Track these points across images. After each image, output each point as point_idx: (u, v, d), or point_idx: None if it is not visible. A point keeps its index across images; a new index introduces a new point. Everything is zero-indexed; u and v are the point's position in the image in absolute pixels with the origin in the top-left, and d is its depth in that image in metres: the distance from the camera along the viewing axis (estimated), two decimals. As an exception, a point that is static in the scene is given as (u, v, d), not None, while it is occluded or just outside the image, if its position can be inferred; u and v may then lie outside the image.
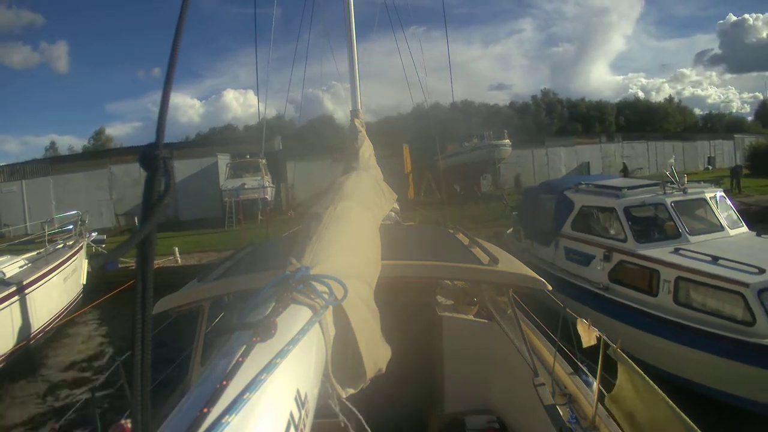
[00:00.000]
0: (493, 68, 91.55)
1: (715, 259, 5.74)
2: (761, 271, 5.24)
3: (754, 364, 4.81)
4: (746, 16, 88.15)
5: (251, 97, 75.83)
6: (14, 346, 8.03)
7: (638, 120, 59.89)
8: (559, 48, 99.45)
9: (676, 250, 6.36)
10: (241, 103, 79.11)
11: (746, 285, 5.09)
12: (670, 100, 67.00)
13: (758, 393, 4.85)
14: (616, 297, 6.64)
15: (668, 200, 7.11)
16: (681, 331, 5.48)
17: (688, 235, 6.77)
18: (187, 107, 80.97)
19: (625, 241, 7.03)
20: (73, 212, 13.03)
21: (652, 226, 7.31)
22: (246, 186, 22.87)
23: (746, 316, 5.07)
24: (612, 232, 7.44)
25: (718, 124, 59.19)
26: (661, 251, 6.48)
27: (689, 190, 7.37)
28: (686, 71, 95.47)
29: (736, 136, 43.95)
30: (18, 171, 28.00)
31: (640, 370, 2.52)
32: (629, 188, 7.65)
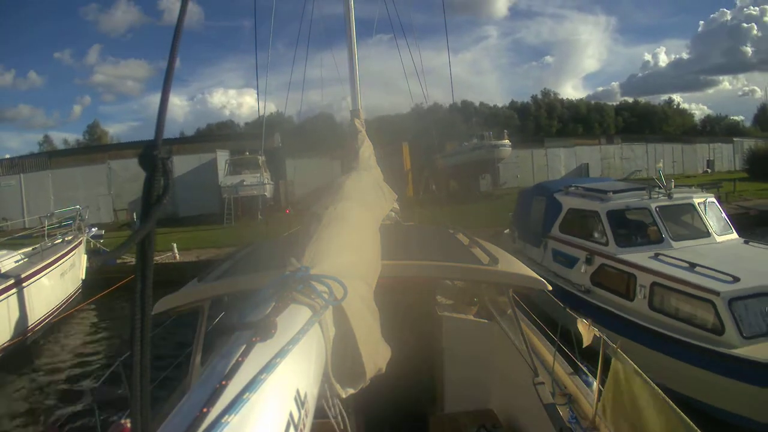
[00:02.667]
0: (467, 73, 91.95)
1: (692, 266, 5.72)
2: (735, 279, 5.21)
3: (721, 373, 4.79)
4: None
5: (244, 96, 75.79)
6: (9, 340, 8.01)
7: (637, 122, 60.01)
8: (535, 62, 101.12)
9: (656, 256, 6.36)
10: (233, 103, 79.54)
11: (717, 293, 5.07)
12: (669, 102, 67.17)
13: (725, 402, 4.82)
14: (595, 300, 6.66)
15: (653, 205, 7.09)
16: (654, 337, 5.48)
17: (671, 241, 6.75)
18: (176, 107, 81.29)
19: (606, 244, 7.06)
20: (73, 207, 13.03)
21: (636, 230, 7.31)
22: (245, 183, 22.86)
23: (716, 324, 5.05)
24: (596, 235, 7.45)
25: (717, 128, 59.31)
26: (640, 256, 6.48)
27: (675, 195, 7.33)
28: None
29: (735, 139, 44.08)
30: (17, 165, 27.96)
31: (640, 370, 2.53)
32: (615, 192, 7.65)
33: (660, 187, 7.48)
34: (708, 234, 6.97)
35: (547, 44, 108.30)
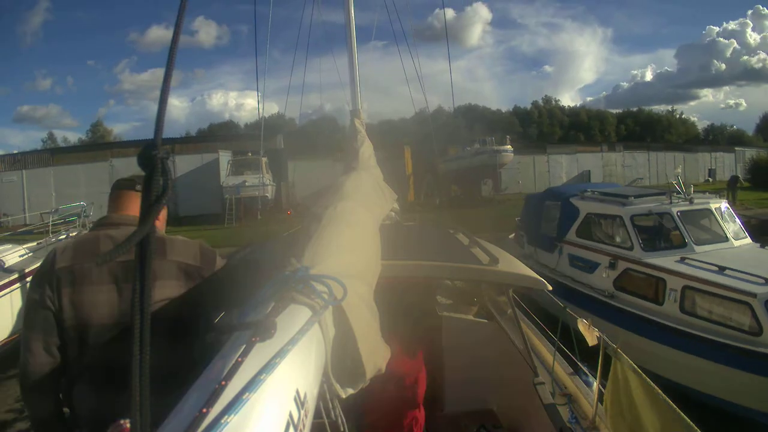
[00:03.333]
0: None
1: (721, 269, 5.75)
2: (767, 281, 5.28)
3: (760, 373, 4.83)
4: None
5: (246, 98, 76.23)
6: (12, 334, 8.00)
7: (639, 130, 60.12)
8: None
9: (682, 260, 6.36)
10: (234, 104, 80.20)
11: (754, 295, 5.12)
12: (672, 111, 67.31)
13: (764, 403, 4.87)
14: (621, 305, 6.63)
15: (674, 209, 7.11)
16: (688, 339, 5.50)
17: (693, 245, 6.77)
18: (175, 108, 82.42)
19: (631, 249, 7.03)
20: (78, 203, 13.04)
21: (657, 235, 7.32)
22: (247, 183, 22.89)
23: (753, 325, 5.09)
24: (618, 239, 7.45)
25: (719, 137, 59.36)
26: (667, 260, 6.47)
27: (695, 200, 7.38)
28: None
29: (737, 149, 44.10)
30: (19, 161, 28.01)
31: (639, 370, 2.53)
32: (635, 197, 7.67)
33: (679, 192, 7.53)
34: (726, 238, 7.02)
35: (544, 53, 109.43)
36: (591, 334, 2.94)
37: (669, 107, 72.09)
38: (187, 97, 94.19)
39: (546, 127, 58.41)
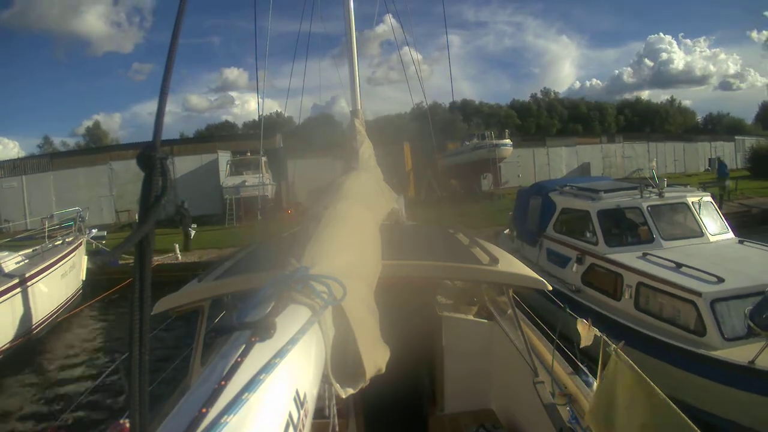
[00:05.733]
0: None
1: (678, 266, 5.67)
2: (720, 280, 5.14)
3: (702, 375, 4.75)
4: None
5: (246, 98, 76.14)
6: (10, 341, 8.04)
7: (639, 121, 59.95)
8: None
9: (644, 255, 6.33)
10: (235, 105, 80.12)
11: (699, 294, 5.03)
12: (671, 101, 67.11)
13: (708, 404, 4.75)
14: (585, 300, 6.63)
15: (644, 204, 7.05)
16: (638, 337, 5.43)
17: (662, 240, 6.71)
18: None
19: (596, 244, 7.03)
20: (73, 209, 13.07)
21: (628, 230, 7.27)
22: (247, 183, 22.87)
23: (698, 325, 5.01)
24: (587, 234, 7.44)
25: (718, 126, 59.16)
26: (629, 256, 6.46)
27: (668, 194, 7.27)
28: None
29: (736, 138, 43.94)
30: (19, 166, 27.99)
31: (639, 370, 2.52)
32: (606, 191, 7.61)
33: (653, 186, 7.44)
34: (701, 233, 6.92)
35: (516, 52, 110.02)
36: (590, 335, 2.93)
37: (668, 96, 72.07)
38: (186, 98, 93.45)
39: (544, 119, 58.25)
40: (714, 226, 7.16)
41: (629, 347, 5.42)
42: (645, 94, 76.23)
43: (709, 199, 7.55)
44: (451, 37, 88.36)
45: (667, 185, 7.51)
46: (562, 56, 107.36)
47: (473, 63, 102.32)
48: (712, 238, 6.87)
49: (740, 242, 6.88)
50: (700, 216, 7.10)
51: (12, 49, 77.68)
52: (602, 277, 6.69)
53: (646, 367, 5.24)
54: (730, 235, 7.19)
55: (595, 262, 6.87)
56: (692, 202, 7.22)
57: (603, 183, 9.14)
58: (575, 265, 7.27)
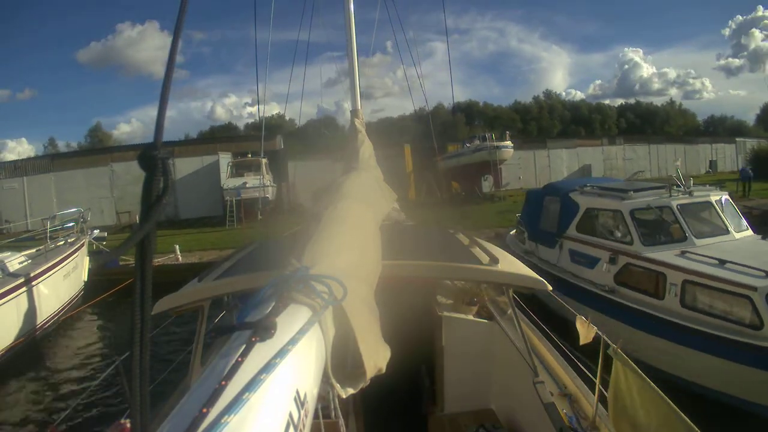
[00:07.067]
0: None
1: (722, 263, 5.73)
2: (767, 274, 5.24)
3: (761, 367, 4.82)
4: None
5: (246, 100, 76.17)
6: (13, 341, 8.05)
7: (640, 122, 59.94)
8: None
9: (683, 253, 6.34)
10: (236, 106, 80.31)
11: (754, 289, 5.10)
12: (671, 103, 67.11)
13: (764, 396, 4.86)
14: (621, 299, 6.60)
15: (674, 203, 7.08)
16: (688, 334, 5.48)
17: (693, 238, 6.73)
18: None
19: (631, 243, 7.00)
20: (75, 209, 13.08)
21: (657, 228, 7.27)
22: (247, 185, 22.88)
23: (754, 319, 5.07)
24: (618, 234, 7.41)
25: (719, 128, 59.12)
26: (667, 254, 6.45)
27: (695, 193, 7.34)
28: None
29: (737, 139, 43.91)
30: (20, 167, 28.04)
31: (639, 370, 2.52)
32: (635, 191, 7.63)
33: (679, 185, 7.48)
34: (727, 231, 6.97)
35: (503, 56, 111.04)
36: (588, 332, 2.93)
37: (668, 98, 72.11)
38: (188, 99, 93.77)
39: (545, 121, 58.27)
40: (736, 223, 7.24)
41: (679, 344, 5.48)
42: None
43: (728, 197, 7.61)
44: (435, 44, 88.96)
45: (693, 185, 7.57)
46: (555, 63, 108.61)
47: (461, 68, 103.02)
48: (737, 235, 6.94)
49: (763, 239, 6.97)
50: (724, 214, 7.17)
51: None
52: (639, 276, 6.65)
53: (695, 363, 5.37)
54: (750, 232, 7.27)
55: (631, 262, 6.82)
56: (715, 201, 7.29)
57: (627, 183, 9.14)
58: (607, 265, 7.20)
